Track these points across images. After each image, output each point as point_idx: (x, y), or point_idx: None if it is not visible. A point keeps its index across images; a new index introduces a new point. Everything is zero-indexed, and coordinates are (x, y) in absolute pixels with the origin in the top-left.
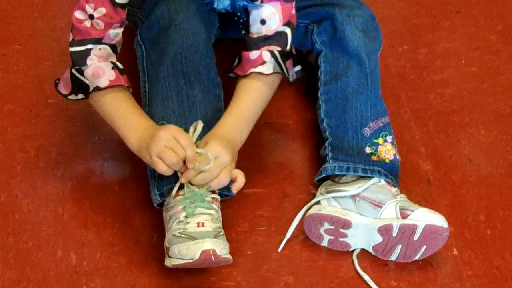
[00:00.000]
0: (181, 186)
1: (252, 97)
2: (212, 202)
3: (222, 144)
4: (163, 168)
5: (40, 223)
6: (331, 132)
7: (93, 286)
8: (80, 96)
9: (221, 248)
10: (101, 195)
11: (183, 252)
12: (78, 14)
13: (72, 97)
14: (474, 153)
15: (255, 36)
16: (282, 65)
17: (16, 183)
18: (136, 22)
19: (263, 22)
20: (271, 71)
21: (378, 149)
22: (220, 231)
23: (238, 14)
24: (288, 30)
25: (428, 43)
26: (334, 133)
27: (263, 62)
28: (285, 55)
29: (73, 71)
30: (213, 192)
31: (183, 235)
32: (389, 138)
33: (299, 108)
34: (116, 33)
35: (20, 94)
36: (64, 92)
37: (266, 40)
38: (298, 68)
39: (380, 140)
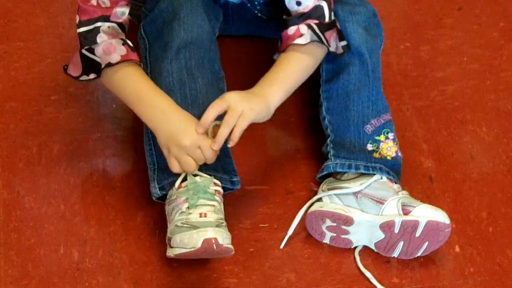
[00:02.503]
0: (184, 179)
1: (286, 61)
2: (214, 194)
3: (239, 94)
4: (176, 170)
5: (42, 220)
6: (332, 129)
7: (95, 283)
8: (92, 75)
9: (223, 238)
10: (103, 192)
11: (185, 241)
12: None
13: (83, 78)
14: (476, 150)
15: (294, 14)
16: (321, 35)
17: (18, 180)
18: (139, 18)
19: (298, 3)
20: (308, 40)
21: (380, 146)
22: (223, 222)
23: (256, 2)
24: (324, 4)
25: (430, 40)
26: (335, 131)
27: (301, 35)
28: (323, 26)
29: (83, 51)
30: (216, 184)
31: (185, 225)
32: (390, 135)
33: (301, 105)
34: (122, 11)
35: (22, 91)
36: (75, 74)
37: (302, 16)
38: (343, 43)
39: (382, 137)
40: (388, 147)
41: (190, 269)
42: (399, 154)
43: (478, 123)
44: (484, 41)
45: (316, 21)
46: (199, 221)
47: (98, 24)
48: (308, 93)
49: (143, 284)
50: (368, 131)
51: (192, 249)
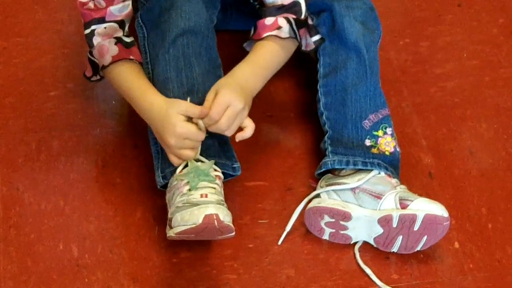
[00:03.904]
0: (185, 165)
1: (266, 52)
2: (215, 179)
3: (234, 92)
4: (177, 164)
5: (41, 216)
6: (330, 125)
7: (94, 279)
8: (99, 76)
9: (224, 215)
10: (102, 188)
11: (186, 217)
12: None
13: (93, 78)
14: (475, 146)
15: (270, 5)
16: (297, 32)
17: (18, 176)
18: (136, 9)
19: None
20: (287, 35)
21: (378, 142)
22: (224, 204)
23: None
24: (301, 0)
25: (429, 36)
26: (333, 126)
27: (279, 27)
28: (299, 23)
29: (88, 54)
30: (216, 170)
31: (186, 204)
32: (389, 130)
33: (300, 101)
34: (119, 8)
35: (21, 87)
36: (88, 75)
37: (280, 8)
38: (317, 37)
39: (380, 133)
40: (386, 142)
41: (190, 265)
42: (398, 149)
43: (478, 119)
44: (484, 37)
45: (294, 16)
46: (200, 200)
47: (93, 27)
48: (308, 89)
49: (143, 280)
50: (366, 127)
51: (193, 225)
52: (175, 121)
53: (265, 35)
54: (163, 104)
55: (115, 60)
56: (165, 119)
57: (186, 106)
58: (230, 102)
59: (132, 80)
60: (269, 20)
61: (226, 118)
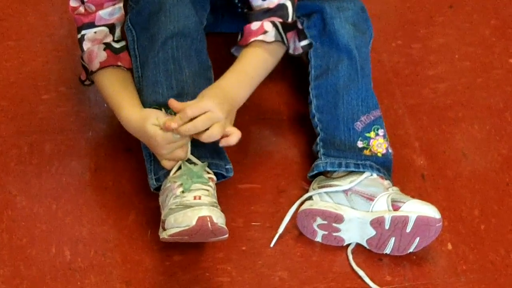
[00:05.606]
0: (179, 168)
1: (253, 59)
2: (208, 181)
3: (215, 101)
4: (169, 168)
5: (34, 220)
6: (322, 127)
7: (87, 282)
8: (90, 81)
9: (217, 217)
10: (95, 192)
11: (180, 219)
12: (72, 3)
13: (86, 82)
14: (468, 148)
15: (257, 9)
16: (283, 35)
17: (10, 180)
18: (126, 13)
19: None
20: (273, 39)
21: (370, 143)
22: (217, 206)
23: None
24: (288, 3)
25: (422, 38)
26: (325, 128)
27: (265, 32)
28: (286, 26)
29: (80, 58)
30: (208, 172)
31: (179, 206)
32: (381, 132)
33: (293, 104)
34: (109, 11)
35: (13, 91)
36: (82, 78)
37: (267, 12)
38: (305, 42)
39: (372, 134)
40: (379, 144)
41: (183, 268)
42: (390, 150)
43: (470, 120)
44: (476, 39)
45: (280, 20)
46: (193, 202)
47: (83, 31)
48: (301, 91)
49: (136, 284)
50: (358, 128)
51: (187, 227)
52: (153, 133)
53: (251, 40)
54: (138, 120)
55: (103, 66)
56: (145, 134)
57: (158, 117)
58: (210, 109)
59: (112, 92)
60: (255, 25)
61: (201, 119)
